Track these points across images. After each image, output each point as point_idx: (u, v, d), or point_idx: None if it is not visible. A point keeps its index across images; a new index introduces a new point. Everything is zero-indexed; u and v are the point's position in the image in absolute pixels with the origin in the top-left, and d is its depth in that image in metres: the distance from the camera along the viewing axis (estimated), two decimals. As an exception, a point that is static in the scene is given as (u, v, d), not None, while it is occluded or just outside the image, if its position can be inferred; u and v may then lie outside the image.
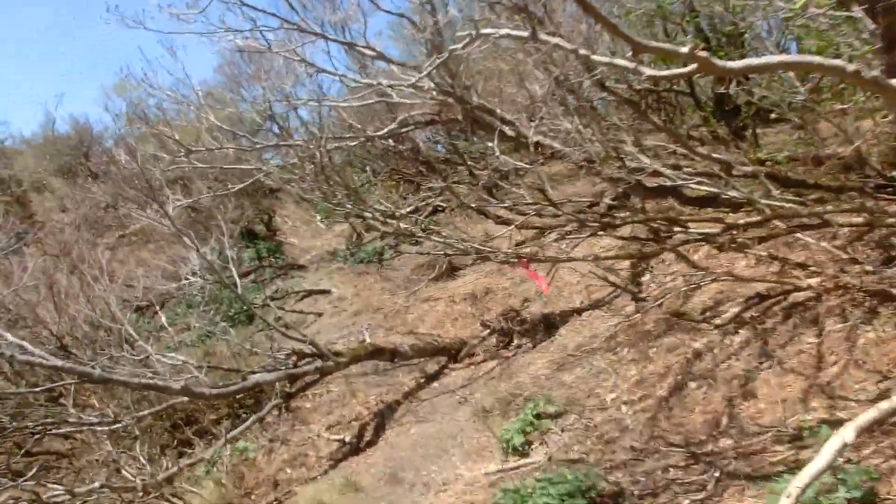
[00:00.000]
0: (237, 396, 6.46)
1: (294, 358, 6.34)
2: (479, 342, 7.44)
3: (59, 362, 4.46)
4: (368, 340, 8.93)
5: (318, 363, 6.43)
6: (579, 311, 7.39)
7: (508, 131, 6.76)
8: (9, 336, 4.56)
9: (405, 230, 7.78)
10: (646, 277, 7.27)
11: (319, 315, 11.19)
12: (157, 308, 10.84)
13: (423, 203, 16.45)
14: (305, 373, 6.33)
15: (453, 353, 7.40)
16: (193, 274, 10.24)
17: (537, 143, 6.44)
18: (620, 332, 6.31)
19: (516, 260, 9.48)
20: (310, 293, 12.63)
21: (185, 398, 5.51)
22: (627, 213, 7.99)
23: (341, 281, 13.10)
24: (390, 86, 6.17)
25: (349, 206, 13.76)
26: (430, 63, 4.57)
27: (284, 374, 6.07)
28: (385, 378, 7.82)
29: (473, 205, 10.70)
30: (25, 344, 4.48)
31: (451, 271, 11.51)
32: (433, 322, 9.12)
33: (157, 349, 7.43)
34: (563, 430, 5.05)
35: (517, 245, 11.27)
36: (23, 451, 6.05)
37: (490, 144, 5.76)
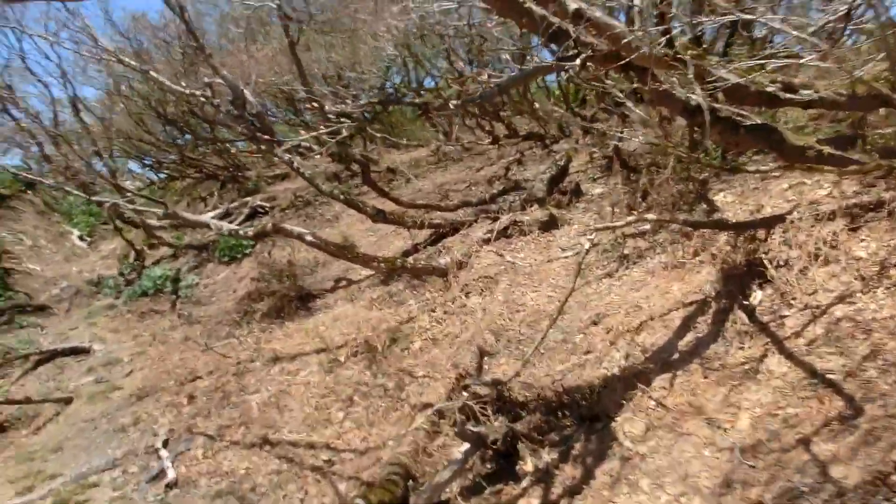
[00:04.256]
0: None
1: None
2: (459, 470, 3.64)
3: None
4: (172, 476, 4.52)
5: None
6: (642, 377, 3.95)
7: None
8: None
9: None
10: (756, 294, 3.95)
11: (68, 402, 6.25)
12: None
13: (238, 204, 11.95)
14: None
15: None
16: None
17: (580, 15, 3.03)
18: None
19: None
20: (53, 355, 7.49)
21: None
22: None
23: (111, 328, 8.12)
24: None
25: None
26: None
27: None
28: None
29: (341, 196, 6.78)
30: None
31: (303, 300, 7.38)
32: (307, 411, 5.01)
33: None
34: None
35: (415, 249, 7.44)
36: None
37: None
